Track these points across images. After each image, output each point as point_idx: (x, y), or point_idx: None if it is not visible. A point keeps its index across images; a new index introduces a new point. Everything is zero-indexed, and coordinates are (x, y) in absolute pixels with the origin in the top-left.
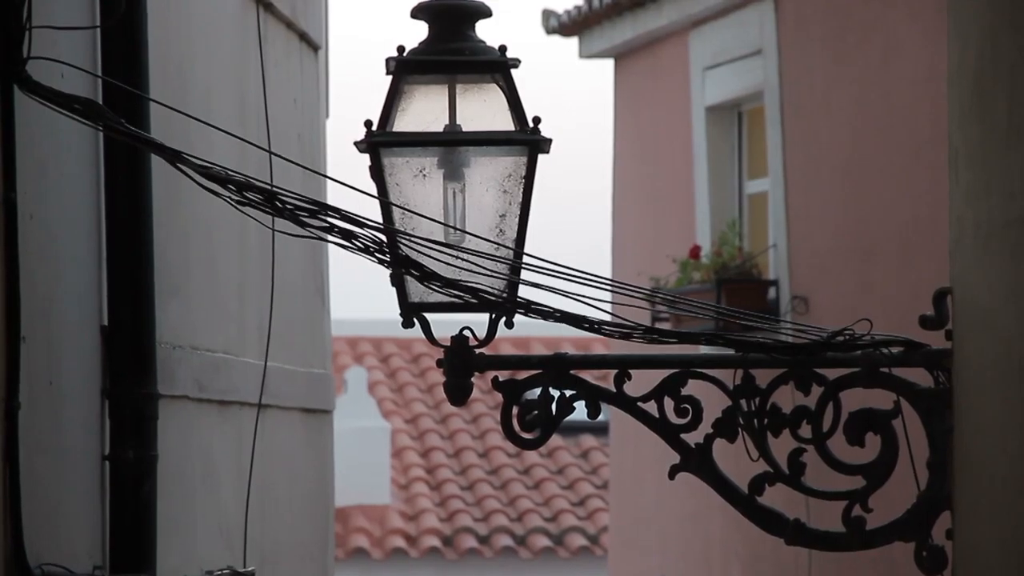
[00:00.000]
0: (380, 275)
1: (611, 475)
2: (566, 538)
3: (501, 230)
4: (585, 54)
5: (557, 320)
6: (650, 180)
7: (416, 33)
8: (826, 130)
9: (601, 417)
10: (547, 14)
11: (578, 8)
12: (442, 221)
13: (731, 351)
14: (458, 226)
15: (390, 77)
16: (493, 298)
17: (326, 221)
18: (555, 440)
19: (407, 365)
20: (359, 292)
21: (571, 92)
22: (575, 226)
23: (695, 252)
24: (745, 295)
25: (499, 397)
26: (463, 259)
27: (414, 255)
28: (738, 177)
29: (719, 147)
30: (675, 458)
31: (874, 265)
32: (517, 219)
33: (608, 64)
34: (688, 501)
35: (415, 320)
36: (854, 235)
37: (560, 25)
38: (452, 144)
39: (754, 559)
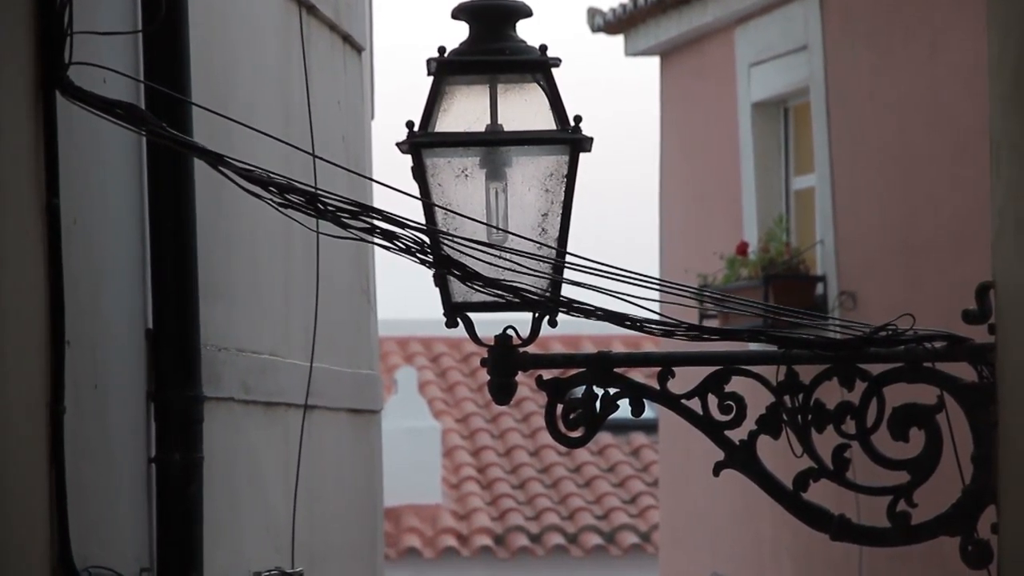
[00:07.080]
0: (428, 275)
1: (661, 473)
2: (617, 536)
3: (543, 229)
4: (631, 52)
5: (599, 318)
6: (697, 177)
7: (457, 34)
8: (872, 125)
9: (651, 415)
10: (592, 12)
11: (623, 6)
12: (484, 221)
13: (774, 347)
14: (500, 226)
15: (431, 78)
16: (535, 297)
17: (368, 222)
18: (605, 438)
19: (457, 365)
20: (408, 292)
21: (617, 90)
22: (623, 225)
23: (742, 249)
24: (793, 292)
25: None
26: (505, 259)
27: (456, 255)
28: (785, 173)
29: (765, 143)
30: (723, 455)
31: (922, 260)
32: (559, 218)
33: (654, 62)
34: (738, 498)
35: (459, 320)
36: (901, 230)
37: (606, 23)
38: (494, 144)
39: (805, 555)
